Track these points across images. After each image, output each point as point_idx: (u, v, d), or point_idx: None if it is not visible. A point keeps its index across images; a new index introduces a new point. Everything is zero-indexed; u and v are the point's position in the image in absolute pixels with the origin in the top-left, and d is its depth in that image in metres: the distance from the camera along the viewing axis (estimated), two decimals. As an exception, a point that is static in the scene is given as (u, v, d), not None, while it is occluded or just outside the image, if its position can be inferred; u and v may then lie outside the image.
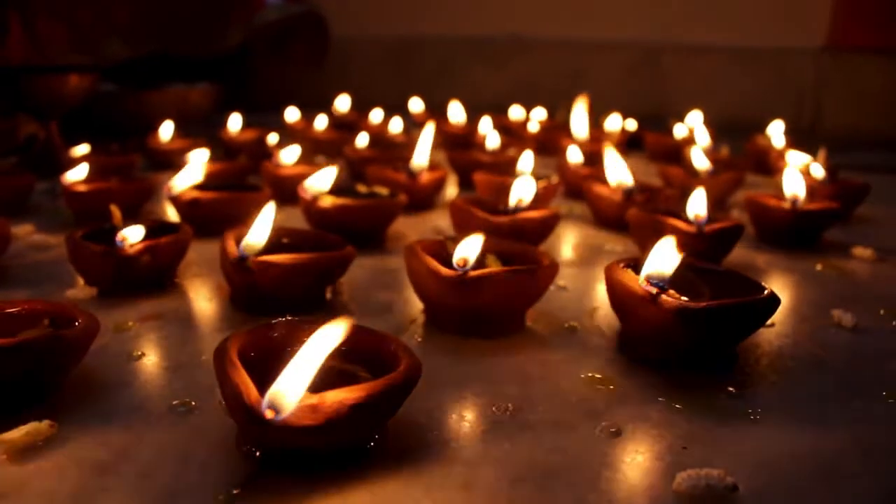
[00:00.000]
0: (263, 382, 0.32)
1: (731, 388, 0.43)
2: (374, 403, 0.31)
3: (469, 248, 0.46)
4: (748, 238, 0.72)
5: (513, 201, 0.62)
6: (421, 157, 0.76)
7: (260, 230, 0.49)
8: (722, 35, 1.48)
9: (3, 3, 1.13)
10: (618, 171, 0.73)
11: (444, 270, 0.45)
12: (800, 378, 0.45)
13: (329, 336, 0.32)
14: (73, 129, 1.05)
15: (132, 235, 0.53)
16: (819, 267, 0.65)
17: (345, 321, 0.33)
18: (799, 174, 0.72)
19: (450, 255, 0.50)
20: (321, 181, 0.65)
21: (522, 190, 0.62)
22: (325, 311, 0.52)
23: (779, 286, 0.61)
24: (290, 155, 0.82)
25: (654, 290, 0.43)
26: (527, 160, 0.78)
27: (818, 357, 0.48)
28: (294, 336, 0.38)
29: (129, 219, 0.58)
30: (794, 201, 0.70)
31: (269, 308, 0.50)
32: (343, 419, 0.30)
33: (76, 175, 0.71)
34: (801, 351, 0.48)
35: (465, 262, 0.45)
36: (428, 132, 0.77)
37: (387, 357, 0.37)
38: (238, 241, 0.51)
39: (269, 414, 0.29)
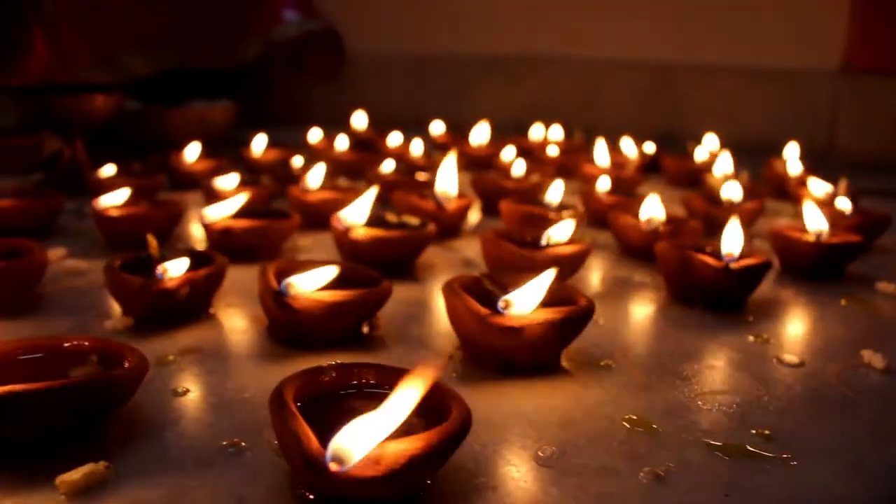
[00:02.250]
0: (318, 427, 0.32)
1: (764, 431, 0.43)
2: (433, 453, 0.32)
3: (522, 297, 0.47)
4: (772, 270, 0.72)
5: (544, 238, 0.63)
6: (448, 186, 0.77)
7: (310, 281, 0.50)
8: (736, 56, 1.49)
9: (27, 19, 1.14)
10: (651, 206, 0.74)
11: (484, 312, 0.45)
12: (832, 421, 0.45)
13: (409, 397, 0.32)
14: (93, 146, 1.05)
15: (172, 268, 0.53)
16: (843, 302, 0.66)
17: (425, 376, 0.33)
18: (818, 210, 0.72)
19: (487, 293, 0.50)
20: (358, 213, 0.65)
21: (559, 232, 0.63)
22: (363, 347, 0.52)
23: (806, 322, 0.62)
24: (315, 176, 0.82)
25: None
26: (555, 191, 0.79)
27: (850, 399, 0.48)
28: (345, 379, 0.39)
29: (162, 245, 0.59)
30: (819, 235, 0.71)
31: (308, 342, 0.51)
32: (403, 469, 0.31)
33: (112, 200, 0.72)
34: (832, 392, 0.49)
35: (508, 305, 0.45)
36: (451, 162, 0.78)
37: (433, 401, 0.37)
38: (277, 275, 0.52)
39: (333, 466, 0.30)
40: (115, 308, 0.58)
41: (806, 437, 0.43)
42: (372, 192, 0.67)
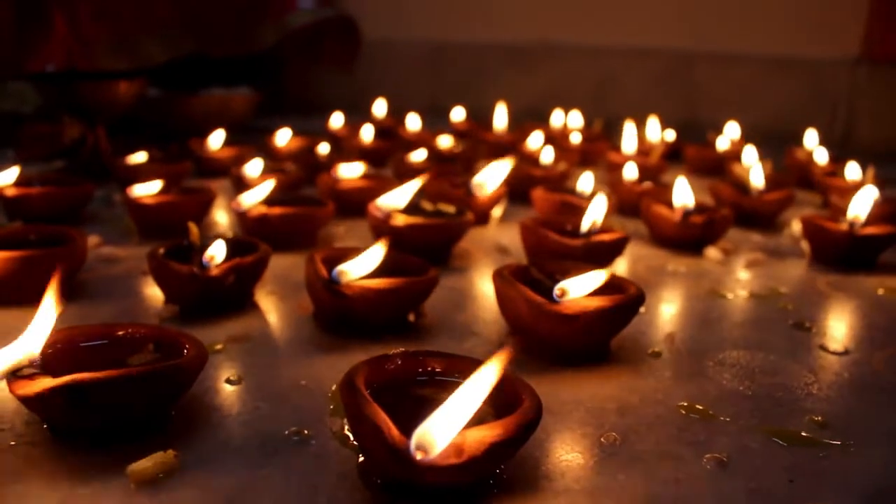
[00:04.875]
0: (389, 415, 0.32)
1: (817, 418, 0.43)
2: (511, 440, 0.32)
3: (576, 286, 0.47)
4: (803, 259, 0.73)
5: (586, 224, 0.63)
6: (488, 180, 0.77)
7: (362, 265, 0.50)
8: (755, 44, 1.48)
9: (48, 6, 1.14)
10: (683, 194, 0.73)
11: (540, 300, 0.45)
12: (885, 407, 0.45)
13: (485, 382, 0.32)
14: (115, 133, 1.05)
15: (219, 255, 0.53)
16: (880, 291, 0.66)
17: (499, 361, 0.33)
18: (867, 198, 0.72)
19: (535, 281, 0.50)
20: (397, 199, 0.65)
21: (595, 212, 0.63)
22: (410, 335, 0.52)
23: (846, 310, 0.62)
24: (350, 170, 0.82)
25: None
26: (586, 180, 0.79)
27: (898, 386, 0.48)
28: (410, 367, 0.39)
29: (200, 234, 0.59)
30: (853, 224, 0.71)
31: (355, 330, 0.51)
32: (483, 456, 0.31)
33: (147, 189, 0.72)
34: (880, 379, 0.49)
35: (564, 293, 0.45)
36: (504, 168, 0.78)
37: (500, 391, 0.37)
38: (326, 263, 0.52)
39: (418, 455, 0.30)
40: (157, 295, 0.58)
41: (861, 423, 0.43)
42: (416, 184, 0.66)
